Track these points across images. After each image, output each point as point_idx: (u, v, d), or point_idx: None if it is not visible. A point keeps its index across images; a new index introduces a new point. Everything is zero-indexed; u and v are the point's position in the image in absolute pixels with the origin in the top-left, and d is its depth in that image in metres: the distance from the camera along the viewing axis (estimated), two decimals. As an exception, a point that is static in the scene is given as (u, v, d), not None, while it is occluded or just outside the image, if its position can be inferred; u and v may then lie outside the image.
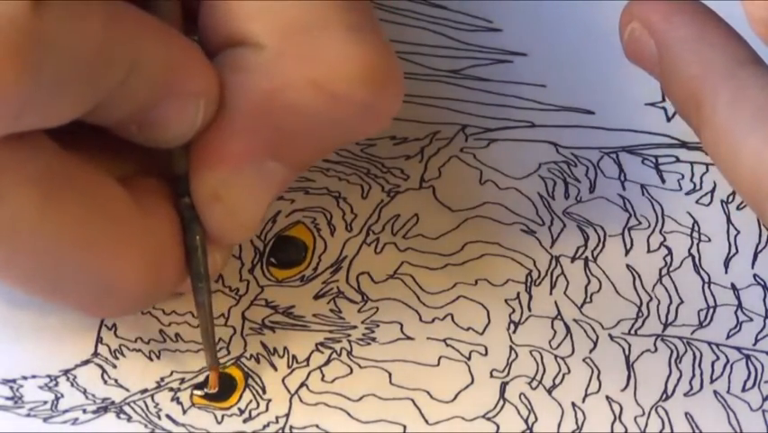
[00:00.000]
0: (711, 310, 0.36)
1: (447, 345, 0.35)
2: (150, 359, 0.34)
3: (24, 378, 0.33)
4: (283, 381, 0.34)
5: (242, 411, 0.33)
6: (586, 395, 0.34)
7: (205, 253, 0.32)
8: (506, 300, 0.35)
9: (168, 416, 0.33)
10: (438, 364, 0.34)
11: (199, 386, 0.34)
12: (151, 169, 0.32)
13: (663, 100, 0.39)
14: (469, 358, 0.34)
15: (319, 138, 0.31)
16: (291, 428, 0.33)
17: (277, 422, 0.33)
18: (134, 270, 0.30)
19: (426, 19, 0.41)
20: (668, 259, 0.36)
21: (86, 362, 0.34)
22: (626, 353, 0.35)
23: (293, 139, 0.30)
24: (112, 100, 0.28)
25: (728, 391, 0.34)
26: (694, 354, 0.35)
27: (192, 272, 0.32)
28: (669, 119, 0.39)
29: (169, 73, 0.29)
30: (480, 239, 0.36)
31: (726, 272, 0.36)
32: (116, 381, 0.34)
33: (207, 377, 0.33)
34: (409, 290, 0.35)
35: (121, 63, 0.27)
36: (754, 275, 0.36)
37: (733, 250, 0.37)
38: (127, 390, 0.33)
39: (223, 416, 0.33)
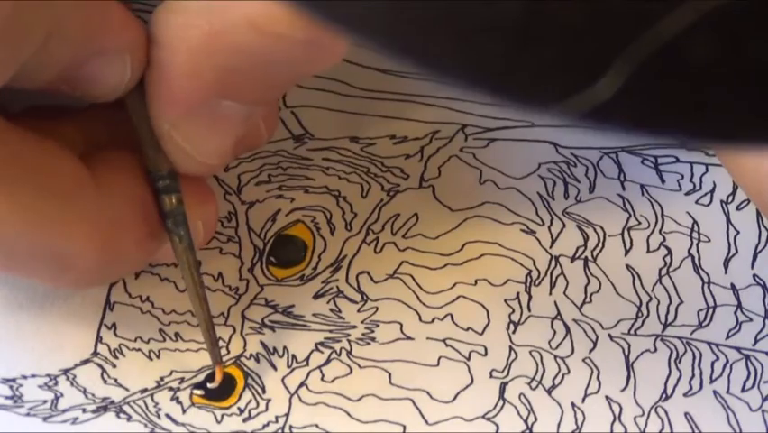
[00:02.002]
0: (711, 310, 0.36)
1: (447, 346, 0.35)
2: (150, 358, 0.34)
3: (24, 377, 0.33)
4: (283, 380, 0.34)
5: (241, 411, 0.33)
6: (585, 395, 0.34)
7: (192, 248, 0.32)
8: (505, 300, 0.35)
9: (167, 415, 0.33)
10: (438, 364, 0.34)
11: (199, 385, 0.34)
12: (124, 142, 0.32)
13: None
14: (468, 358, 0.34)
15: (269, 75, 0.30)
16: (291, 427, 0.33)
17: (276, 422, 0.33)
18: (88, 243, 0.30)
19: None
20: (668, 259, 0.36)
21: (86, 361, 0.34)
22: (626, 353, 0.35)
23: (242, 77, 0.29)
24: (34, 65, 0.28)
25: (728, 392, 0.34)
26: (694, 354, 0.35)
27: (187, 278, 0.32)
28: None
29: (89, 33, 0.28)
30: (480, 239, 0.36)
31: (725, 273, 0.36)
32: (116, 380, 0.34)
33: (207, 376, 0.33)
34: (409, 290, 0.35)
35: (36, 29, 0.27)
36: (754, 275, 0.36)
37: (732, 250, 0.37)
38: (127, 389, 0.33)
39: (222, 415, 0.33)
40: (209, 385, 0.34)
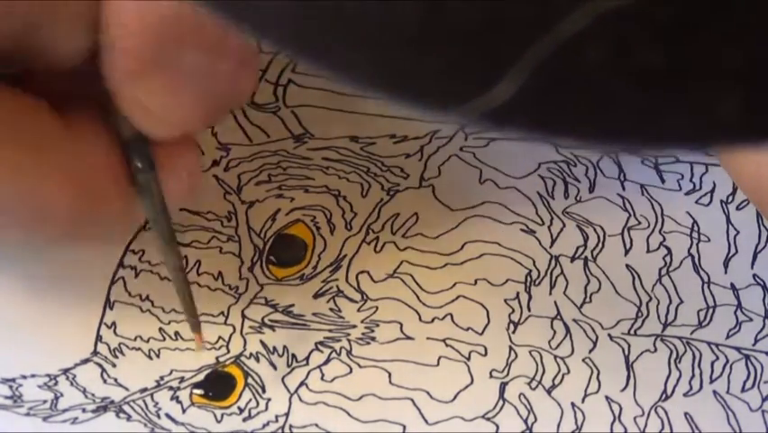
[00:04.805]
0: (711, 310, 0.36)
1: (447, 345, 0.35)
2: (150, 358, 0.34)
3: (24, 377, 0.33)
4: (283, 380, 0.34)
5: (241, 410, 0.33)
6: (585, 395, 0.34)
7: (167, 215, 0.31)
8: (505, 300, 0.35)
9: (167, 415, 0.33)
10: (438, 364, 0.34)
11: (199, 385, 0.34)
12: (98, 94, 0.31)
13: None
14: (468, 358, 0.34)
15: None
16: (291, 427, 0.33)
17: (276, 421, 0.33)
18: (62, 191, 0.29)
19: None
20: (667, 259, 0.36)
21: (86, 361, 0.34)
22: (626, 353, 0.35)
23: (192, 26, 0.29)
24: None
25: (728, 392, 0.34)
26: (694, 354, 0.35)
27: (157, 234, 0.31)
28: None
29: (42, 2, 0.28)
30: (480, 238, 0.36)
31: (725, 272, 0.36)
32: (116, 380, 0.34)
33: (207, 376, 0.33)
34: (409, 290, 0.35)
35: None
36: (754, 275, 0.36)
37: (732, 250, 0.37)
38: (127, 389, 0.33)
39: (222, 415, 0.33)
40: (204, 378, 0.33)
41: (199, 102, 0.30)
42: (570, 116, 0.15)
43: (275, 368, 0.34)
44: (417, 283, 0.36)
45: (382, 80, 0.16)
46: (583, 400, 0.34)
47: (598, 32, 0.14)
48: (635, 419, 0.34)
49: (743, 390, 0.34)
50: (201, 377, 0.34)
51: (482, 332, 0.35)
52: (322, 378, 0.34)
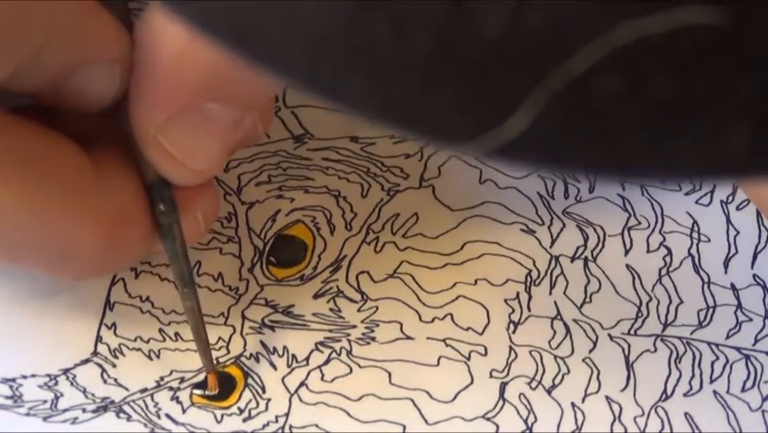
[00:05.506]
0: (711, 310, 0.36)
1: (447, 345, 0.35)
2: (150, 358, 0.34)
3: (24, 377, 0.33)
4: (283, 380, 0.34)
5: (241, 411, 0.33)
6: (585, 395, 0.34)
7: (186, 258, 0.31)
8: (505, 300, 0.35)
9: (167, 415, 0.33)
10: (438, 364, 0.34)
11: (199, 385, 0.34)
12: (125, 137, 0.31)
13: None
14: (468, 358, 0.34)
15: (254, 75, 0.30)
16: (291, 427, 0.33)
17: (276, 421, 0.33)
18: (91, 234, 0.30)
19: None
20: (667, 259, 0.36)
21: (86, 361, 0.34)
22: (626, 353, 0.35)
23: (228, 77, 0.29)
24: (27, 68, 0.28)
25: (728, 392, 0.34)
26: (694, 354, 0.35)
27: (176, 275, 0.32)
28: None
29: (82, 40, 0.28)
30: (480, 239, 0.36)
31: (725, 273, 0.36)
32: (116, 380, 0.34)
33: (207, 377, 0.33)
34: (409, 290, 0.35)
35: (35, 30, 0.27)
36: (754, 275, 0.36)
37: (732, 250, 0.37)
38: (127, 389, 0.33)
39: (222, 415, 0.33)
40: (207, 393, 0.34)
41: (223, 150, 0.31)
42: (582, 149, 0.15)
43: (275, 368, 0.34)
44: (417, 283, 0.36)
45: (393, 114, 0.16)
46: (583, 400, 0.34)
47: (612, 66, 0.14)
48: (635, 419, 0.34)
49: (743, 390, 0.34)
50: (201, 377, 0.34)
51: (482, 332, 0.35)
52: (322, 378, 0.34)
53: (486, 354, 0.35)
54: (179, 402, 0.33)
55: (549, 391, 0.34)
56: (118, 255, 0.31)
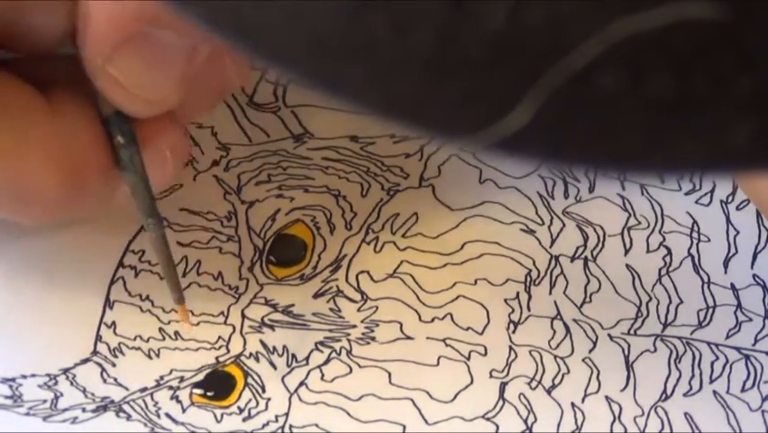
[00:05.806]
0: (711, 310, 0.36)
1: (447, 345, 0.35)
2: (150, 357, 0.34)
3: (24, 377, 0.33)
4: (282, 380, 0.34)
5: (241, 410, 0.33)
6: (585, 395, 0.34)
7: (150, 190, 0.31)
8: (505, 300, 0.35)
9: (167, 414, 0.33)
10: (438, 364, 0.34)
11: (199, 385, 0.34)
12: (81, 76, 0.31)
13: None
14: (468, 358, 0.34)
15: None
16: (291, 427, 0.33)
17: (276, 421, 0.33)
18: (48, 172, 0.29)
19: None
20: (667, 259, 0.36)
21: (86, 360, 0.34)
22: (626, 353, 0.35)
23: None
24: None
25: (728, 392, 0.34)
26: (693, 354, 0.35)
27: (139, 207, 0.31)
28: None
29: None
30: (480, 238, 0.36)
31: (725, 272, 0.36)
32: (116, 379, 0.34)
33: (207, 376, 0.33)
34: (409, 290, 0.35)
35: None
36: (754, 275, 0.36)
37: (732, 250, 0.37)
38: (126, 388, 0.33)
39: (222, 414, 0.33)
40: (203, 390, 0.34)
41: (177, 81, 0.30)
42: (582, 144, 0.15)
43: (275, 368, 0.34)
44: (417, 283, 0.36)
45: (395, 109, 0.16)
46: (583, 400, 0.34)
47: (612, 60, 0.14)
48: (634, 419, 0.34)
49: (743, 390, 0.34)
50: (201, 377, 0.34)
51: (482, 332, 0.35)
52: (322, 378, 0.34)
53: (486, 353, 0.35)
54: (179, 402, 0.33)
55: (549, 391, 0.34)
56: (78, 194, 0.30)
